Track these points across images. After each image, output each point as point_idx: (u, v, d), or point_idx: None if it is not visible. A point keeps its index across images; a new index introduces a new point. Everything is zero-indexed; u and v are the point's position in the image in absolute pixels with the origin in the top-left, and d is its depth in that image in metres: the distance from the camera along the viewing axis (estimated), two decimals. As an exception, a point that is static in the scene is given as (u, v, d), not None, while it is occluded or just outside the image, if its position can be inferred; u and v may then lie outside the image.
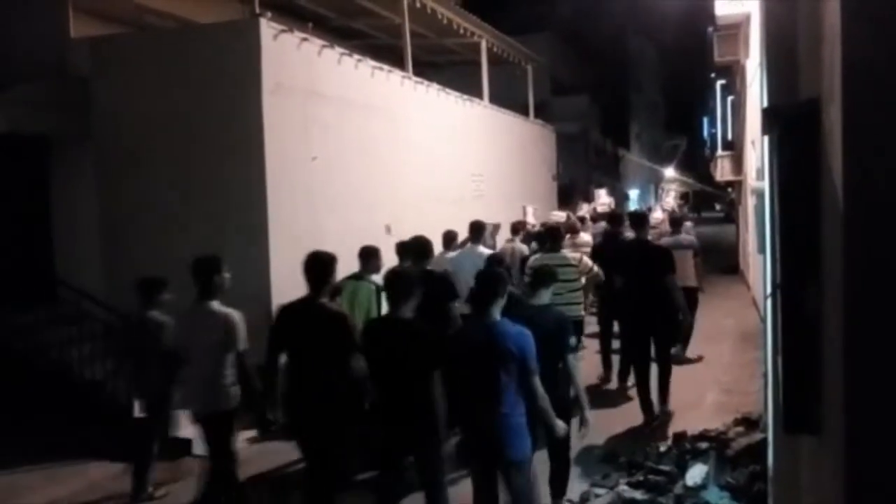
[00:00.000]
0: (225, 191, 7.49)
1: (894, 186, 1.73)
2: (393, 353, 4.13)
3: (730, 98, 22.43)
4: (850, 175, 1.80)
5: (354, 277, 6.15)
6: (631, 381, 7.49)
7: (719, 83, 24.98)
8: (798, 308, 2.36)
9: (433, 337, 4.18)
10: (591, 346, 9.00)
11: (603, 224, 11.06)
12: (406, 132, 10.26)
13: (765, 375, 5.04)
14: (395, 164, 9.86)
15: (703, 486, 5.22)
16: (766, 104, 3.95)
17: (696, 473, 5.37)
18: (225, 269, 4.83)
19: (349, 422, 4.50)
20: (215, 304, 4.74)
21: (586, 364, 8.00)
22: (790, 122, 2.42)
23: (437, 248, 7.04)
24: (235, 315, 4.73)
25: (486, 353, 3.94)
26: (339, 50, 8.88)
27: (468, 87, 13.13)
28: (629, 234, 9.45)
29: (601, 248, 8.73)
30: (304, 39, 8.17)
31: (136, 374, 5.60)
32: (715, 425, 6.32)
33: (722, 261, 18.43)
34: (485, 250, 7.30)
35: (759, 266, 7.97)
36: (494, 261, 6.37)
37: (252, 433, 6.16)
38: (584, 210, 15.12)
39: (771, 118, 2.71)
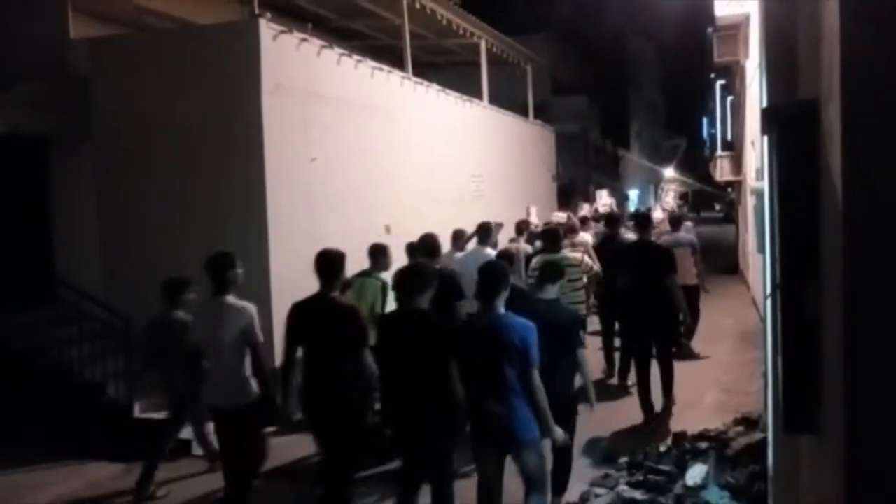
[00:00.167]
0: (224, 191, 7.49)
1: (894, 186, 1.73)
2: (408, 344, 4.21)
3: (729, 98, 22.42)
4: (850, 175, 1.80)
5: (363, 274, 6.34)
6: (631, 379, 7.52)
7: (719, 83, 24.96)
8: (798, 308, 2.36)
9: (447, 328, 4.28)
10: (593, 344, 9.04)
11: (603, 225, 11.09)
12: (406, 133, 10.26)
13: (765, 375, 5.04)
14: (394, 164, 9.86)
15: (702, 486, 5.22)
16: (765, 104, 3.96)
17: (695, 473, 5.37)
18: (238, 264, 4.93)
19: (360, 415, 4.59)
20: (232, 299, 4.83)
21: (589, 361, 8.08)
22: (789, 122, 2.42)
23: (445, 246, 7.14)
24: (252, 308, 4.84)
25: (492, 345, 4.06)
26: (338, 50, 8.88)
27: (468, 87, 13.12)
28: (629, 234, 9.57)
29: (599, 248, 8.80)
30: (304, 40, 8.16)
31: (163, 374, 5.68)
32: (715, 425, 6.32)
33: (722, 261, 18.44)
34: (491, 252, 7.36)
35: (758, 266, 8.00)
36: (503, 256, 6.52)
37: (269, 427, 6.21)
38: (586, 210, 15.11)
39: (770, 118, 2.71)
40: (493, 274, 4.29)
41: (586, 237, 9.56)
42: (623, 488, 5.27)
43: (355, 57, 9.24)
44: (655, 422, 6.89)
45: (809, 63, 2.44)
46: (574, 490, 5.24)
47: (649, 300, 6.93)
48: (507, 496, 4.41)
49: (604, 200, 17.72)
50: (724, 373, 8.64)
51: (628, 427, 6.85)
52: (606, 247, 8.72)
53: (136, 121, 7.85)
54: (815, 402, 2.32)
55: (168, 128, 7.70)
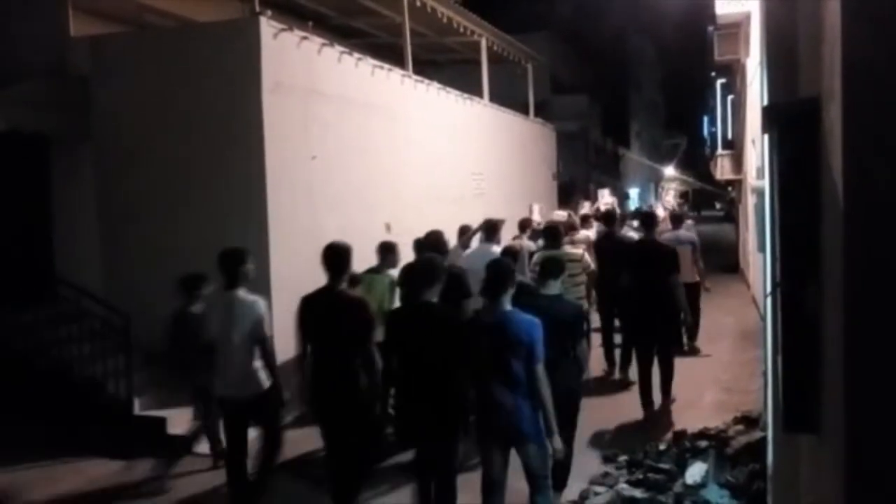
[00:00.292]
0: (225, 189, 7.49)
1: (894, 186, 1.73)
2: (416, 338, 4.26)
3: (730, 97, 22.44)
4: (850, 174, 1.80)
5: (372, 271, 6.45)
6: (633, 374, 7.58)
7: (719, 82, 25.00)
8: (798, 307, 2.36)
9: (455, 323, 4.36)
10: (594, 341, 9.07)
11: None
12: (406, 131, 10.25)
13: (764, 374, 5.05)
14: (395, 162, 9.86)
15: (702, 485, 5.23)
16: (766, 103, 3.96)
17: (695, 472, 5.38)
18: (250, 260, 5.02)
19: (368, 407, 4.63)
20: (243, 293, 4.92)
21: (590, 357, 8.15)
22: (790, 121, 2.42)
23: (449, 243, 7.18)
24: (263, 302, 4.95)
25: (499, 341, 4.14)
26: (338, 48, 8.88)
27: (468, 85, 13.11)
28: (631, 233, 9.63)
29: (597, 245, 8.82)
30: (304, 38, 8.16)
31: (183, 367, 5.79)
32: (715, 424, 6.33)
33: (722, 259, 18.46)
34: (497, 248, 7.44)
35: (759, 264, 8.01)
36: (507, 252, 6.61)
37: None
38: (587, 209, 15.13)
39: (771, 117, 2.71)
40: (501, 271, 4.38)
41: (587, 235, 9.59)
42: (623, 486, 5.28)
43: (356, 55, 9.23)
44: (656, 415, 6.95)
45: (810, 62, 2.44)
46: (574, 488, 5.26)
47: (653, 299, 6.96)
48: (510, 494, 4.44)
49: (606, 200, 17.73)
50: (724, 371, 8.65)
51: (630, 421, 6.90)
52: (604, 244, 8.76)
53: (137, 119, 7.85)
54: (815, 402, 2.32)
55: (168, 126, 7.70)
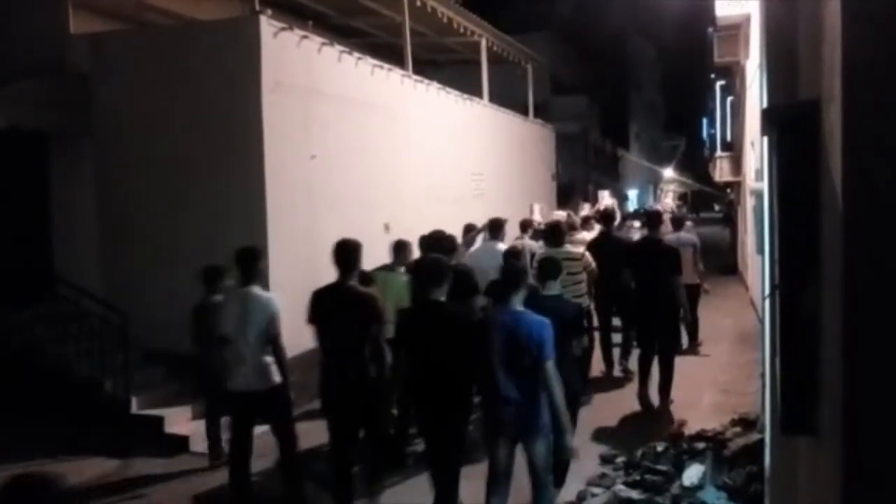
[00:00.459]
0: (224, 188, 7.48)
1: (894, 187, 1.73)
2: (424, 336, 4.33)
3: (729, 99, 22.44)
4: (850, 176, 1.80)
5: (386, 268, 6.45)
6: (632, 364, 7.75)
7: (719, 84, 24.98)
8: (797, 308, 2.36)
9: (464, 321, 4.44)
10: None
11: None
12: (406, 131, 10.25)
13: (763, 376, 5.05)
14: (394, 162, 9.86)
15: (699, 487, 5.23)
16: (765, 105, 3.96)
17: (693, 473, 5.38)
18: (263, 258, 5.19)
19: (378, 400, 4.72)
20: (258, 289, 5.05)
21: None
22: (790, 123, 2.41)
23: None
24: (277, 299, 5.07)
25: (510, 340, 4.23)
26: (338, 48, 8.87)
27: (468, 85, 13.11)
28: (634, 233, 9.68)
29: (594, 245, 8.81)
30: (304, 37, 8.16)
31: (203, 358, 5.84)
32: (712, 425, 6.33)
33: (720, 260, 18.45)
34: (503, 246, 7.49)
35: (757, 266, 8.02)
36: (511, 254, 6.69)
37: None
38: (587, 210, 15.16)
39: (770, 119, 2.71)
40: (513, 273, 4.54)
41: (584, 236, 9.58)
42: (620, 488, 5.27)
43: (356, 54, 9.23)
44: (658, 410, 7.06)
45: (810, 64, 2.44)
46: (571, 489, 5.26)
47: (654, 299, 6.99)
48: (514, 493, 4.50)
49: (606, 201, 17.80)
50: (722, 373, 8.66)
51: (628, 421, 6.94)
52: (601, 243, 8.75)
53: (136, 117, 7.84)
54: (814, 404, 2.32)
55: (168, 124, 7.70)
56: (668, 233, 9.90)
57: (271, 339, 5.00)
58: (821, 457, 2.25)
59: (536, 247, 8.65)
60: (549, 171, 17.58)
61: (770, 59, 3.99)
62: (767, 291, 3.34)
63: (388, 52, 11.66)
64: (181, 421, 6.86)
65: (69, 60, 8.03)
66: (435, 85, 11.52)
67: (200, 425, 6.45)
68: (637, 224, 12.50)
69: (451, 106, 12.01)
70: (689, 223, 11.64)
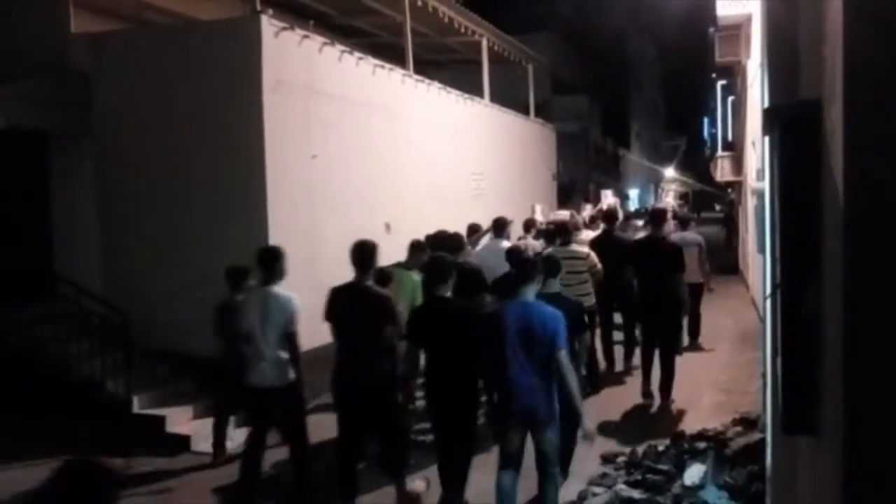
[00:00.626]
0: (225, 188, 7.48)
1: (895, 186, 1.73)
2: (433, 330, 4.47)
3: (730, 98, 22.44)
4: (851, 175, 1.80)
5: (401, 266, 6.50)
6: (636, 363, 7.84)
7: (720, 83, 24.98)
8: (798, 308, 2.35)
9: (474, 315, 4.61)
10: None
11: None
12: (407, 130, 10.25)
13: (763, 375, 5.05)
14: (395, 162, 9.85)
15: (701, 486, 5.23)
16: (766, 104, 3.95)
17: (694, 473, 5.38)
18: (284, 258, 5.28)
19: (392, 394, 4.91)
20: (278, 288, 5.17)
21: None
22: (791, 123, 2.41)
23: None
24: (296, 298, 5.18)
25: (522, 331, 4.33)
26: (339, 47, 8.87)
27: (469, 85, 13.10)
28: (639, 232, 9.73)
29: (596, 244, 8.82)
30: (305, 37, 8.15)
31: (227, 354, 5.90)
32: (713, 425, 6.33)
33: (720, 260, 18.45)
34: (507, 244, 7.53)
35: (758, 266, 8.02)
36: (513, 252, 6.77)
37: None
38: (588, 210, 15.18)
39: (772, 118, 2.71)
40: (526, 265, 4.70)
41: (589, 235, 9.61)
42: (621, 487, 5.27)
43: (356, 54, 9.22)
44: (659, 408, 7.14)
45: (811, 63, 2.43)
46: (572, 488, 5.26)
47: (657, 297, 7.02)
48: (521, 489, 4.57)
49: (609, 201, 17.85)
50: (722, 373, 8.65)
51: (629, 420, 6.96)
52: (603, 241, 8.76)
53: (137, 117, 7.84)
54: (814, 403, 2.32)
55: (168, 124, 7.69)
56: (673, 232, 9.93)
57: (288, 337, 5.10)
58: (821, 456, 2.25)
59: (539, 246, 8.67)
60: (550, 170, 17.56)
61: (771, 59, 3.99)
62: (769, 291, 3.34)
63: (390, 52, 11.65)
64: (183, 420, 6.86)
65: (69, 60, 8.02)
66: (436, 85, 11.51)
67: (202, 425, 6.46)
68: (640, 223, 12.51)
69: (452, 106, 12.00)
70: (692, 223, 11.72)
